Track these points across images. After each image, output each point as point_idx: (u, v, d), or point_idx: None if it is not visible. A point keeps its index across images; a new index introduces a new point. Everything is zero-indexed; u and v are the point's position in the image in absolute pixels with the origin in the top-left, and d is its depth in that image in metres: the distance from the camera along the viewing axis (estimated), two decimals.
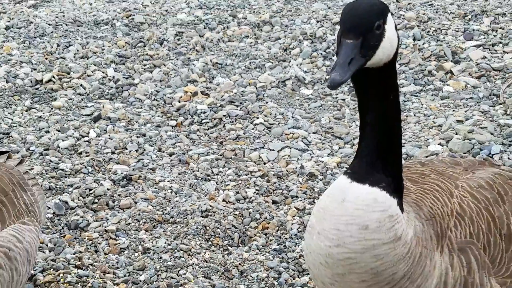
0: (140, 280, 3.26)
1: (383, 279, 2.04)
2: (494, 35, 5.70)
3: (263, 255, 3.43)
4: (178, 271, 3.33)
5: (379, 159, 2.03)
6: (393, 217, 2.02)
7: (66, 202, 3.85)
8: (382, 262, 2.02)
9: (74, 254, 3.45)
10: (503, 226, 2.23)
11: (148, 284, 3.24)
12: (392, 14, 1.99)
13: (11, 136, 4.58)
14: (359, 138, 2.08)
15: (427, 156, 4.04)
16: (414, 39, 5.71)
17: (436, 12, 6.28)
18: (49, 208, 3.75)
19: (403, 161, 2.23)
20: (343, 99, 4.94)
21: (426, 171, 2.37)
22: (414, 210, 2.15)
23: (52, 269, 3.34)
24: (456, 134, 4.31)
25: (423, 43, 5.63)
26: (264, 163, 4.22)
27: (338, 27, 1.96)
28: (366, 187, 2.02)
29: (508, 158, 4.06)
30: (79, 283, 3.25)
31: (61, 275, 3.29)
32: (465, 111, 4.61)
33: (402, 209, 2.06)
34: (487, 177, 2.34)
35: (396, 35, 1.96)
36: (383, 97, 2.03)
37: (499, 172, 2.40)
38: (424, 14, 6.20)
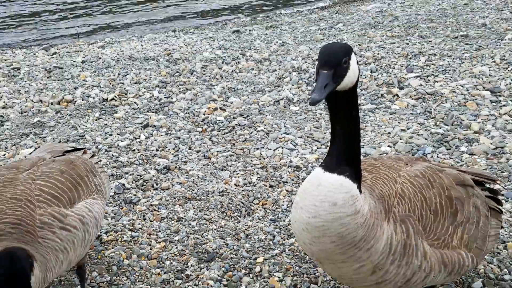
0: (175, 240, 3.26)
1: (347, 241, 2.03)
2: (428, 69, 5.69)
3: (262, 223, 3.42)
4: (202, 234, 3.33)
5: (345, 156, 2.03)
6: (354, 196, 2.01)
7: (123, 185, 3.86)
8: (346, 229, 2.01)
9: (128, 221, 3.46)
10: (431, 204, 2.24)
11: (181, 243, 3.24)
12: (355, 53, 2.00)
13: (85, 138, 4.60)
14: (330, 141, 2.08)
15: (380, 154, 4.04)
16: (371, 72, 5.70)
17: (387, 52, 6.27)
18: (111, 188, 3.77)
19: (361, 158, 2.23)
20: (320, 114, 4.92)
21: (377, 164, 2.37)
22: (369, 192, 2.16)
23: (113, 231, 3.35)
24: (400, 139, 4.29)
25: (377, 74, 5.62)
26: (264, 158, 4.21)
27: (316, 62, 1.96)
28: (335, 176, 2.01)
29: (437, 156, 4.05)
30: (132, 242, 3.26)
31: (119, 235, 3.30)
32: (407, 123, 4.60)
33: (360, 191, 2.06)
34: (421, 169, 2.35)
35: (357, 68, 1.96)
36: (348, 112, 2.03)
37: (430, 166, 2.41)
38: (378, 54, 6.20)
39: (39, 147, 4.06)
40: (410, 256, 2.11)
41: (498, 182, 2.77)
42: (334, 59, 1.89)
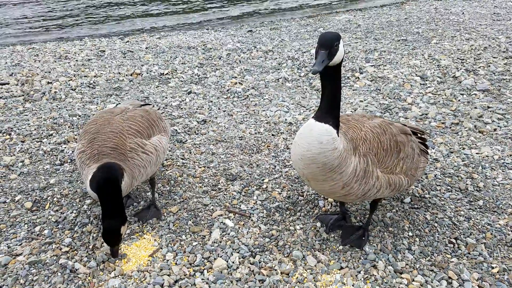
0: (211, 166, 3.28)
1: (328, 167, 2.03)
2: (379, 61, 5.59)
3: (267, 158, 3.43)
4: (228, 163, 3.34)
5: (329, 111, 2.01)
6: (334, 138, 2.00)
7: (176, 130, 3.84)
8: (327, 159, 2.01)
9: (180, 153, 3.47)
10: (384, 145, 2.22)
11: (214, 168, 3.25)
12: (342, 40, 1.95)
13: (149, 99, 4.54)
14: (320, 100, 2.05)
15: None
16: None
17: (352, 49, 6.13)
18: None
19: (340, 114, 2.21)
20: (306, 89, 4.88)
21: (350, 118, 2.35)
22: (343, 136, 2.15)
23: (170, 159, 3.36)
24: (359, 107, 4.26)
25: (346, 63, 5.51)
26: (268, 117, 4.18)
27: (313, 50, 1.91)
28: (322, 124, 2.00)
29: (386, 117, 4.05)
30: (183, 166, 3.29)
31: (174, 162, 3.32)
32: (364, 97, 4.55)
33: (338, 135, 2.04)
34: (378, 122, 2.32)
35: (343, 50, 1.92)
36: (334, 80, 1.99)
37: (384, 120, 2.39)
38: (346, 49, 6.06)
39: (120, 103, 4.04)
40: (368, 178, 2.12)
41: (426, 133, 2.78)
42: (329, 42, 1.85)
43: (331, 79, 1.98)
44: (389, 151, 2.21)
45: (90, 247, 2.42)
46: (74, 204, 2.81)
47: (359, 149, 2.14)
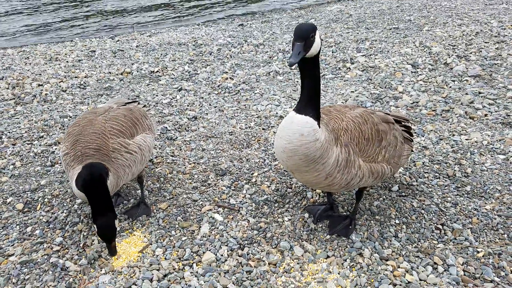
0: (200, 162, 3.30)
1: (310, 158, 2.05)
2: (371, 50, 5.59)
3: (257, 152, 3.44)
4: (218, 158, 3.35)
5: (309, 103, 2.01)
6: (315, 130, 2.01)
7: (166, 127, 3.86)
8: (309, 150, 2.02)
9: (170, 150, 3.48)
10: (365, 134, 2.24)
11: (204, 164, 3.27)
12: (318, 31, 1.94)
13: (140, 97, 4.56)
14: (300, 93, 2.05)
15: None
16: (332, 52, 5.60)
17: (344, 39, 6.13)
18: (158, 130, 3.79)
19: (321, 105, 2.21)
20: (297, 81, 4.89)
21: (331, 109, 2.36)
22: (325, 127, 2.16)
23: (160, 156, 3.39)
24: (350, 97, 4.27)
25: (337, 54, 5.52)
26: (259, 111, 4.19)
27: (292, 37, 1.92)
28: (303, 116, 2.00)
29: (374, 109, 4.05)
30: (172, 163, 3.30)
31: (164, 159, 3.33)
32: (355, 87, 4.56)
33: (319, 126, 2.05)
34: (359, 112, 2.33)
35: (319, 41, 1.91)
36: (312, 72, 1.99)
37: (365, 110, 2.40)
38: (337, 40, 6.06)
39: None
40: (350, 168, 2.14)
41: (410, 121, 2.79)
42: (305, 34, 1.84)
43: (309, 71, 1.98)
44: (370, 140, 2.22)
45: (81, 245, 2.46)
46: (64, 204, 2.85)
47: (341, 140, 2.15)
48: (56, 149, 3.57)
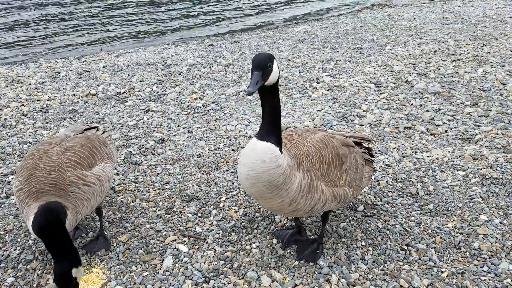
0: (166, 188, 3.20)
1: (273, 185, 2.02)
2: (335, 70, 5.69)
3: (225, 174, 3.39)
4: (185, 183, 3.27)
5: (270, 129, 1.99)
6: (277, 156, 1.99)
7: (131, 151, 3.74)
8: (272, 177, 1.99)
9: (134, 176, 3.37)
10: (326, 159, 2.23)
11: (170, 190, 3.18)
12: (276, 60, 1.94)
13: (105, 120, 4.42)
14: (261, 119, 2.03)
15: (303, 127, 4.04)
16: (299, 72, 5.67)
17: (310, 59, 6.23)
18: (122, 154, 3.65)
19: (284, 129, 2.19)
20: None
21: (293, 134, 2.34)
22: (287, 152, 2.13)
23: (122, 184, 3.25)
24: (317, 116, 4.30)
25: (303, 74, 5.59)
26: (229, 131, 4.15)
27: (251, 66, 1.90)
28: (264, 142, 1.98)
29: (340, 127, 4.08)
30: (136, 190, 3.19)
31: (127, 186, 3.22)
32: (321, 106, 4.61)
33: (281, 152, 2.03)
34: (320, 136, 2.32)
35: (278, 70, 1.91)
36: (272, 100, 1.98)
37: (326, 134, 2.39)
38: (304, 60, 6.14)
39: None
40: (313, 193, 2.12)
41: (372, 141, 2.81)
42: (262, 64, 1.84)
43: (269, 99, 1.97)
44: (331, 164, 2.22)
45: (34, 285, 2.27)
46: (18, 239, 2.64)
47: (303, 165, 2.13)
48: (12, 179, 3.35)
